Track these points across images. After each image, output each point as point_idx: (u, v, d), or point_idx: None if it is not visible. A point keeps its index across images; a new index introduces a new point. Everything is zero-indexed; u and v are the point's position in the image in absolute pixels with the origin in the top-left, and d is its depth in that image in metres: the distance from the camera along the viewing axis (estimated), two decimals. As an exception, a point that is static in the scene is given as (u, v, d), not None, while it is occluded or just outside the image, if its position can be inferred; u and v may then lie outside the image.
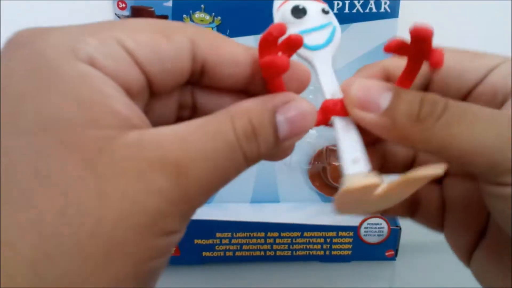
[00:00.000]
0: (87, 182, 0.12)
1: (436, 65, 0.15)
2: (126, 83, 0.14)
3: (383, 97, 0.16)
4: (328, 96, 0.18)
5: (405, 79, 0.17)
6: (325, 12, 0.18)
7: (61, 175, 0.12)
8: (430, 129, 0.15)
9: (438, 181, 0.20)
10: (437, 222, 0.21)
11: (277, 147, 0.15)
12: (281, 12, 0.18)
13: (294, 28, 0.17)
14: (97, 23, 0.15)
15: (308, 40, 0.18)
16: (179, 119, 0.18)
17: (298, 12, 0.17)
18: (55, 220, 0.11)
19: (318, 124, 0.17)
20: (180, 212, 0.13)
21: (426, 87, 0.19)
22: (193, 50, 0.15)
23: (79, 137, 0.12)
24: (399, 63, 0.18)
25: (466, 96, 0.18)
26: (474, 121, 0.15)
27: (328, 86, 0.18)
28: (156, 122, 0.15)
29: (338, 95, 0.17)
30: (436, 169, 0.14)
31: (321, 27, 0.18)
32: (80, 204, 0.12)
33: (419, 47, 0.15)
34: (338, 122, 0.17)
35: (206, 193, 0.14)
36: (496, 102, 0.17)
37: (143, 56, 0.14)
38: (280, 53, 0.15)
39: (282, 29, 0.15)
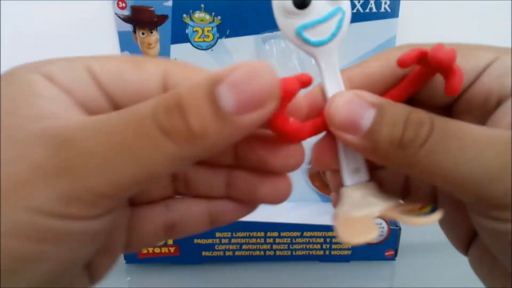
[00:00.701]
0: None
1: (451, 92, 0.14)
2: (82, 97, 0.14)
3: (366, 116, 0.15)
4: (329, 96, 0.17)
5: (404, 88, 0.16)
6: None
7: None
8: (413, 156, 0.14)
9: None
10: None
11: (228, 125, 0.12)
12: (281, 2, 0.15)
13: (295, 20, 0.15)
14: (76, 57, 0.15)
15: (310, 34, 0.16)
16: None
17: (300, 3, 0.15)
18: None
19: (318, 131, 0.17)
20: (58, 187, 0.12)
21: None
22: (165, 80, 0.15)
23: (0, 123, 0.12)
24: (364, 71, 0.17)
25: (455, 100, 0.17)
26: (461, 148, 0.14)
27: (331, 86, 0.17)
28: None
29: None
30: (432, 218, 0.14)
31: (328, 17, 0.15)
32: None
33: (437, 68, 0.14)
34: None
35: (107, 171, 0.12)
36: (490, 104, 0.16)
37: (106, 79, 0.15)
38: (291, 119, 0.15)
39: (293, 93, 0.13)
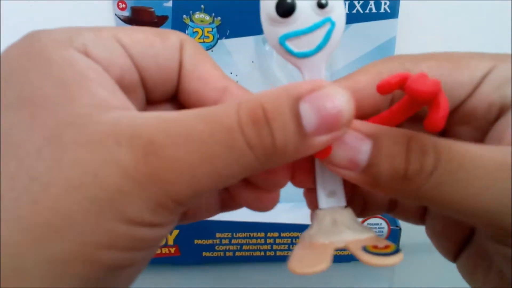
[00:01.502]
0: (45, 151, 0.11)
1: (431, 128, 0.13)
2: (118, 73, 0.14)
3: (362, 150, 0.14)
4: None
5: (394, 115, 0.15)
6: (321, 6, 0.14)
7: (23, 145, 0.11)
8: (419, 189, 0.13)
9: None
10: (416, 221, 0.19)
11: (306, 142, 0.12)
12: (266, 7, 0.14)
13: (279, 28, 0.14)
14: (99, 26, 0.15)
15: (294, 45, 0.14)
16: None
17: (284, 8, 0.14)
18: (3, 183, 0.11)
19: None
20: (148, 196, 0.11)
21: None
22: (181, 54, 0.16)
23: (52, 112, 0.12)
24: (354, 85, 0.16)
25: (455, 111, 0.16)
26: (470, 179, 0.13)
27: None
28: None
29: None
30: (390, 260, 0.13)
31: (313, 27, 0.14)
32: (30, 169, 0.11)
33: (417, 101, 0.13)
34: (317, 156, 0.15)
35: (191, 182, 0.12)
36: (491, 115, 0.16)
37: (136, 51, 0.15)
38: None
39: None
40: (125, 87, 0.14)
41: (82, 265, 0.11)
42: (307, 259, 0.15)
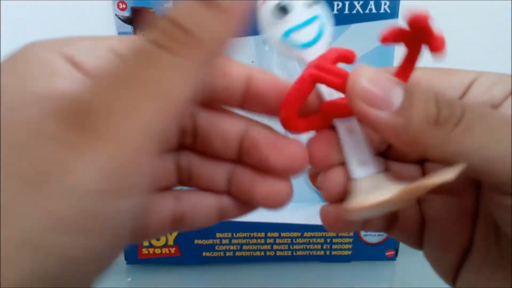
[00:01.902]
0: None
1: (436, 49, 0.14)
2: None
3: (395, 92, 0.14)
4: (326, 96, 0.17)
5: (404, 70, 0.16)
6: (309, 4, 0.17)
7: None
8: (449, 134, 0.13)
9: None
10: (415, 239, 0.19)
11: (219, 17, 0.12)
12: (264, 11, 0.16)
13: (279, 27, 0.16)
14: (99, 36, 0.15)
15: (296, 37, 0.16)
16: (181, 145, 0.17)
17: (280, 11, 0.16)
18: None
19: (320, 129, 0.17)
20: (94, 160, 0.11)
21: None
22: None
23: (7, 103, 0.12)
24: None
25: None
26: (496, 126, 0.13)
27: (324, 87, 0.17)
28: None
29: (336, 94, 0.16)
30: (447, 175, 0.13)
31: (307, 22, 0.16)
32: None
33: (417, 34, 0.14)
34: (341, 124, 0.16)
35: (132, 119, 0.11)
36: None
37: None
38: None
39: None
40: None
41: (31, 256, 0.10)
42: (367, 193, 0.15)
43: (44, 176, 0.10)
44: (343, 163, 0.17)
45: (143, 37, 0.12)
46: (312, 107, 0.17)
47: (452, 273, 0.18)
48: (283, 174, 0.16)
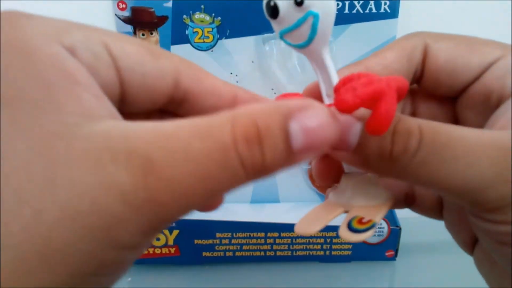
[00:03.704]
0: (34, 167, 0.10)
1: (371, 132, 0.14)
2: (99, 82, 0.13)
3: (353, 132, 0.15)
4: (325, 97, 0.17)
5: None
6: (298, 4, 0.15)
7: (7, 157, 0.10)
8: (405, 167, 0.14)
9: None
10: (436, 214, 0.20)
11: (290, 160, 0.13)
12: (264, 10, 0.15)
13: (276, 26, 0.16)
14: (89, 26, 0.14)
15: (290, 39, 0.16)
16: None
17: (270, 11, 0.15)
18: None
19: None
20: (143, 221, 0.11)
21: (418, 80, 0.18)
22: (177, 77, 0.15)
23: (36, 119, 0.11)
24: (382, 62, 0.17)
25: (458, 94, 0.18)
26: (453, 158, 0.13)
27: (324, 85, 0.17)
28: None
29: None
30: (358, 237, 0.14)
31: (298, 23, 0.15)
32: (20, 190, 0.10)
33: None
34: None
35: (184, 203, 0.11)
36: (490, 103, 0.17)
37: (125, 64, 0.14)
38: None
39: None
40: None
41: None
42: (310, 220, 0.16)
43: (99, 225, 0.11)
44: None
45: (230, 138, 0.12)
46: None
47: (469, 246, 0.19)
48: None
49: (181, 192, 0.11)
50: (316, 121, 0.12)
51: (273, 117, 0.12)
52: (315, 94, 0.17)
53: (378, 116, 0.13)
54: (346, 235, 0.15)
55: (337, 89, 0.14)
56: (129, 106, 0.15)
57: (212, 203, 0.17)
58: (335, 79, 0.16)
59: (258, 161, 0.12)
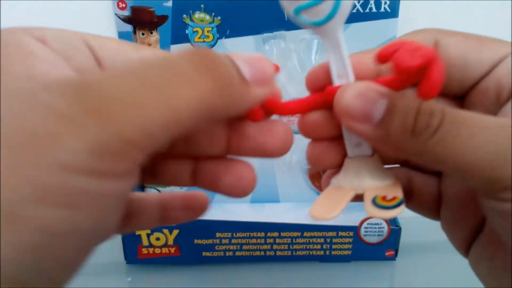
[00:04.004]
0: None
1: (424, 95, 0.14)
2: (77, 68, 0.14)
3: (377, 106, 0.15)
4: (335, 77, 0.17)
5: (396, 84, 0.16)
6: None
7: None
8: (425, 143, 0.14)
9: (436, 173, 0.20)
10: (432, 213, 0.20)
11: (245, 88, 0.14)
12: None
13: (291, 4, 0.15)
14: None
15: (307, 15, 0.15)
16: None
17: None
18: None
19: (321, 107, 0.17)
20: (86, 135, 0.10)
21: None
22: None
23: None
24: (425, 38, 0.17)
25: (469, 90, 0.18)
26: (472, 134, 0.14)
27: (336, 65, 0.16)
28: None
29: (348, 76, 0.16)
30: (390, 213, 0.15)
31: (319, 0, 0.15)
32: None
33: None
34: None
35: (134, 113, 0.11)
36: (501, 98, 0.17)
37: (106, 55, 0.14)
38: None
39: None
40: None
41: (9, 228, 0.10)
42: (326, 205, 0.16)
43: (31, 146, 0.10)
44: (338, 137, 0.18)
45: (181, 55, 0.12)
46: (322, 83, 0.17)
47: (465, 246, 0.19)
48: (277, 154, 0.17)
49: (127, 103, 0.11)
50: (250, 56, 0.14)
51: (219, 54, 0.14)
52: (321, 76, 0.17)
53: (434, 78, 0.14)
54: (377, 212, 0.15)
55: (387, 54, 0.14)
56: None
57: (243, 177, 0.17)
58: (348, 60, 0.16)
59: (214, 68, 0.13)
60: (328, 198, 0.17)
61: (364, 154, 0.17)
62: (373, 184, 0.17)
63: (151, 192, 0.19)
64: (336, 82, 0.17)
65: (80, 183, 0.10)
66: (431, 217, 0.21)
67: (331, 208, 0.16)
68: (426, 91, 0.14)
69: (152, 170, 0.18)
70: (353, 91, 0.15)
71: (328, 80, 0.17)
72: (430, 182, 0.20)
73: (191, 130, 0.13)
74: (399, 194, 0.16)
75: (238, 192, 0.17)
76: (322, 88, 0.17)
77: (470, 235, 0.19)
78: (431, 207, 0.20)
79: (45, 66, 0.13)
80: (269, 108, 0.16)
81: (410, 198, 0.20)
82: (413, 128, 0.15)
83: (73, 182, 0.10)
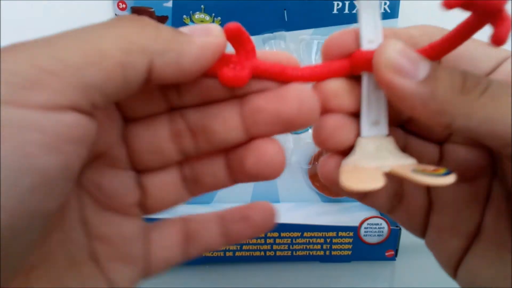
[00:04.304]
0: None
1: (497, 41, 0.14)
2: None
3: (422, 64, 0.14)
4: (365, 42, 0.16)
5: (457, 36, 0.15)
6: None
7: None
8: (475, 101, 0.14)
9: (435, 144, 0.19)
10: (419, 224, 0.19)
11: (183, 37, 0.14)
12: None
13: None
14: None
15: None
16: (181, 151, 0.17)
17: None
18: None
19: (344, 74, 0.16)
20: (57, 83, 0.11)
21: None
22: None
23: None
24: (426, 32, 0.16)
25: None
26: None
27: (368, 29, 0.15)
28: None
29: (377, 42, 0.15)
30: (446, 179, 0.13)
31: None
32: None
33: (487, 10, 0.14)
34: (368, 78, 0.16)
35: (56, 50, 0.12)
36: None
37: None
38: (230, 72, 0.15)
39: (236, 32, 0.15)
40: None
41: None
42: (359, 178, 0.15)
43: None
44: (353, 114, 0.16)
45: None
46: (346, 49, 0.16)
47: (456, 260, 0.18)
48: (296, 116, 0.15)
49: (49, 42, 0.12)
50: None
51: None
52: (347, 42, 0.16)
53: (506, 24, 0.13)
54: (430, 179, 0.13)
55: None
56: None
57: (269, 158, 0.16)
58: (381, 24, 0.15)
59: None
60: (356, 174, 0.15)
61: (381, 134, 0.16)
62: (398, 162, 0.16)
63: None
64: (365, 46, 0.16)
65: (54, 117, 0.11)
66: (416, 230, 0.20)
67: (368, 180, 0.14)
68: (501, 33, 0.13)
69: (192, 177, 0.17)
70: (396, 47, 0.15)
71: (354, 46, 0.16)
72: (419, 186, 0.19)
73: (142, 76, 0.13)
74: (438, 167, 0.15)
75: (263, 170, 0.16)
76: (344, 55, 0.16)
77: (463, 244, 0.18)
78: (419, 215, 0.19)
79: None
80: (277, 74, 0.15)
81: (399, 205, 0.19)
82: (463, 86, 0.14)
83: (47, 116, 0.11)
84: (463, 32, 0.15)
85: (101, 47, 0.12)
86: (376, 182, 0.14)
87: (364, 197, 0.19)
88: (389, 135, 0.16)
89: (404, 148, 0.18)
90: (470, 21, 0.15)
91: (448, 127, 0.14)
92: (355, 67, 0.15)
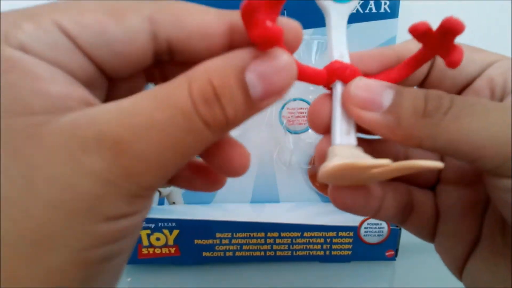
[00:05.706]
0: (12, 172, 0.11)
1: (452, 64, 0.15)
2: (70, 70, 0.13)
3: (385, 94, 0.15)
4: (336, 55, 0.17)
5: (409, 65, 0.16)
6: None
7: None
8: (438, 124, 0.14)
9: (431, 188, 0.20)
10: (429, 231, 0.20)
11: (253, 109, 0.13)
12: None
13: None
14: (41, 5, 0.13)
15: None
16: None
17: None
18: None
19: (319, 83, 0.17)
20: (123, 192, 0.12)
21: (422, 79, 0.18)
22: (153, 30, 0.14)
23: (6, 124, 0.11)
24: (411, 49, 0.17)
25: (462, 90, 0.18)
26: (485, 112, 0.14)
27: (339, 45, 0.17)
28: None
29: (347, 58, 0.17)
30: (435, 163, 0.14)
31: None
32: (6, 195, 0.11)
33: (443, 39, 0.15)
34: (340, 88, 0.17)
35: (158, 168, 0.12)
36: (494, 98, 0.17)
37: (86, 41, 0.13)
38: (268, 22, 0.12)
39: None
40: (82, 82, 0.13)
41: (77, 268, 0.12)
42: (347, 159, 0.15)
43: (83, 208, 0.12)
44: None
45: (189, 101, 0.12)
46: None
47: (460, 263, 0.19)
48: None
49: (153, 162, 0.12)
50: (272, 66, 0.13)
51: (227, 71, 0.13)
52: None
53: (459, 50, 0.15)
54: (423, 162, 0.14)
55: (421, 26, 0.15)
56: (114, 74, 0.14)
57: (216, 181, 0.17)
58: (346, 44, 0.17)
59: (221, 118, 0.13)
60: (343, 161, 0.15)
61: (351, 144, 0.17)
62: (376, 162, 0.16)
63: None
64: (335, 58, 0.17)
65: (120, 225, 0.13)
66: (426, 237, 0.20)
67: (358, 157, 0.15)
68: (455, 57, 0.14)
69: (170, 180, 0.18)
70: (359, 84, 0.16)
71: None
72: (427, 196, 0.20)
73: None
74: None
75: (233, 168, 0.16)
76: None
77: (467, 249, 0.19)
78: (428, 223, 0.20)
79: (55, 89, 0.12)
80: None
81: (409, 216, 0.20)
82: (425, 110, 0.15)
83: (116, 226, 0.12)
84: (414, 63, 0.16)
85: (184, 159, 0.13)
86: (366, 158, 0.15)
87: (377, 212, 0.19)
88: (358, 145, 0.17)
89: (410, 196, 0.19)
90: (422, 53, 0.16)
91: (419, 147, 0.15)
92: (330, 75, 0.17)
